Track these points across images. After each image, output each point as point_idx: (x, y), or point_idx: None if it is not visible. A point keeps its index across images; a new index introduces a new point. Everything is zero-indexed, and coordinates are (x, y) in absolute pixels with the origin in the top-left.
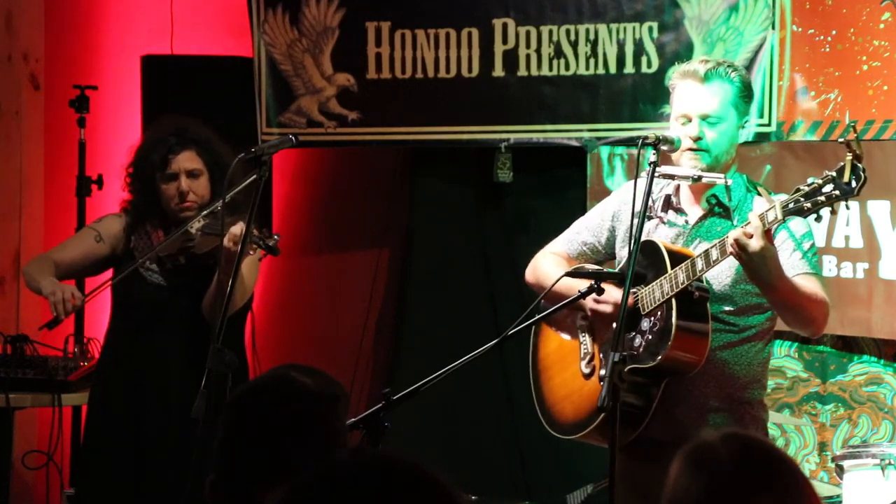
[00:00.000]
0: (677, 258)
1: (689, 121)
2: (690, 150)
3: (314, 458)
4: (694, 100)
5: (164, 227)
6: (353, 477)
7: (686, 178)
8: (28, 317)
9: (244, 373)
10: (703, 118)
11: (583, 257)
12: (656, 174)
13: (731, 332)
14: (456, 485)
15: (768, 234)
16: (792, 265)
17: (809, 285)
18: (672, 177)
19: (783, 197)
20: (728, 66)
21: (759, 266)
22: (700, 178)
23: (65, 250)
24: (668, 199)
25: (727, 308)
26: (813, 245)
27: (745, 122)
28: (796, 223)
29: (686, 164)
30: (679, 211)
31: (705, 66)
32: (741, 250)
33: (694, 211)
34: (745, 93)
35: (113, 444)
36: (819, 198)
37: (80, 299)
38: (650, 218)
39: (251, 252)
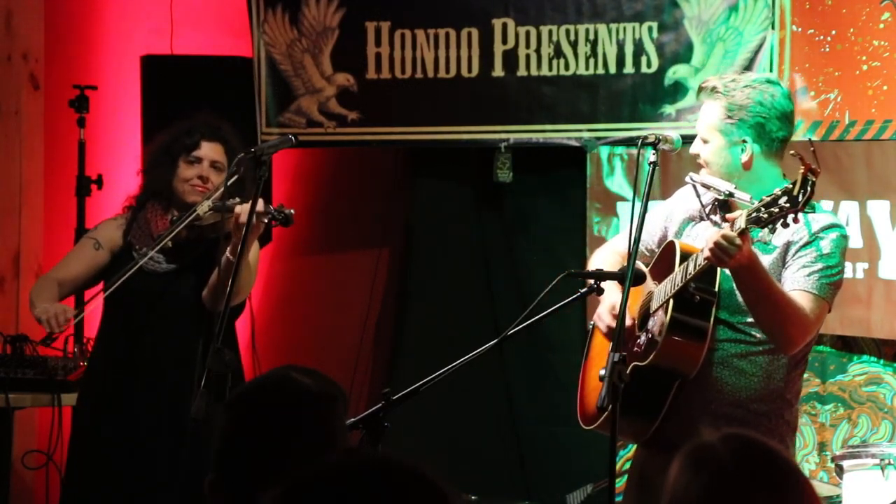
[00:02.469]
0: (684, 258)
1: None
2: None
3: (313, 457)
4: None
5: (167, 210)
6: (347, 476)
7: (720, 192)
8: (28, 317)
9: (239, 370)
10: (699, 135)
11: (637, 253)
12: (695, 181)
13: (750, 343)
14: (451, 484)
15: (745, 237)
16: (794, 280)
17: (799, 301)
18: (709, 187)
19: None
20: (715, 89)
21: (722, 253)
22: (732, 194)
23: (67, 267)
24: (715, 204)
25: (748, 319)
26: (831, 269)
27: (743, 143)
28: (825, 242)
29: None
30: (725, 219)
31: (705, 83)
32: (710, 240)
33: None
34: (731, 115)
35: (106, 440)
36: (774, 209)
37: (70, 311)
38: (702, 219)
39: (264, 223)
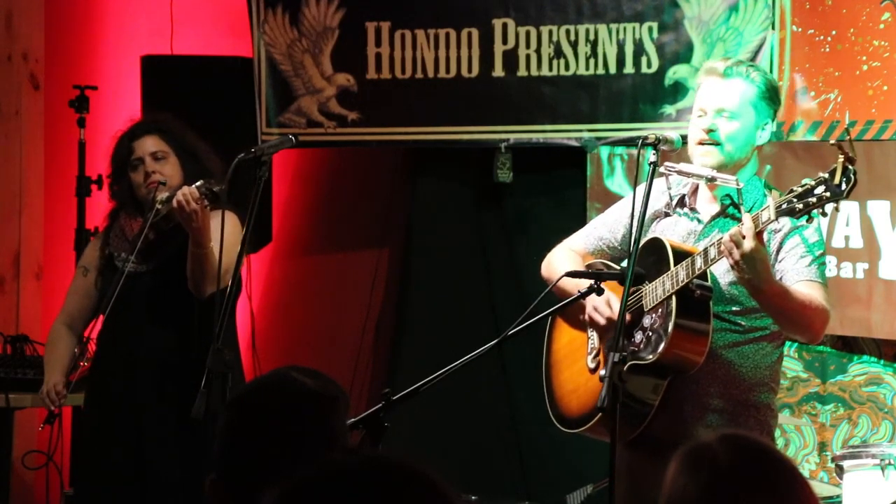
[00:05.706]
0: (680, 256)
1: (705, 114)
2: (702, 143)
3: (314, 457)
4: (711, 94)
5: (139, 215)
6: (348, 476)
7: (700, 177)
8: (28, 317)
9: (238, 368)
10: (719, 112)
11: (599, 253)
12: (671, 171)
13: (737, 332)
14: (451, 484)
15: (760, 236)
16: (798, 272)
17: (810, 292)
18: (688, 174)
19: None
20: (751, 66)
21: (748, 267)
22: (714, 178)
23: (68, 306)
24: (682, 197)
25: (734, 308)
26: (823, 255)
27: (766, 124)
28: (810, 231)
29: (697, 158)
30: (693, 210)
31: (725, 63)
32: (734, 248)
33: (708, 210)
34: (768, 95)
35: (110, 441)
36: (810, 199)
37: (60, 384)
38: (667, 215)
39: (193, 204)
